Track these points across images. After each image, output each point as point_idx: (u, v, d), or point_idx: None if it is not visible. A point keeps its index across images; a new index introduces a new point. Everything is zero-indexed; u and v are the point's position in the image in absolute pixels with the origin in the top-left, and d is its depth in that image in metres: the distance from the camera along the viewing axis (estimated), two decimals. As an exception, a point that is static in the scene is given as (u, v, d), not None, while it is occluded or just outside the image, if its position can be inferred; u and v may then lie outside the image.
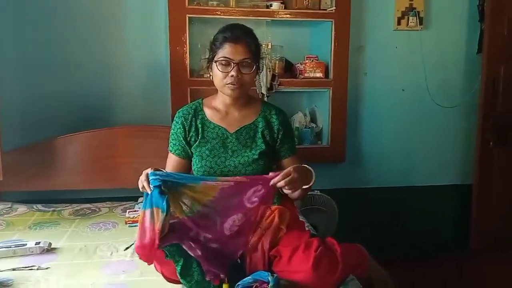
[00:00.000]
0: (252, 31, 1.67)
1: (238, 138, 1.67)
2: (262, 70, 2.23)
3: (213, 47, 1.64)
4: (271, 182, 1.46)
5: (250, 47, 1.61)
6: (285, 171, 1.47)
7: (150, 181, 1.40)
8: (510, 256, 2.94)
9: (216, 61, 1.60)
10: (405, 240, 2.99)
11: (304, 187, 1.54)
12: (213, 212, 1.48)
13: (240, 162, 1.64)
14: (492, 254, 2.94)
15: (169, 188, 1.42)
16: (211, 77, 1.67)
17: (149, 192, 1.40)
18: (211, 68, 1.65)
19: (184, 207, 1.46)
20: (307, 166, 1.58)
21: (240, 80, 1.59)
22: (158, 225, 1.35)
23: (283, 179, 1.45)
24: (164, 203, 1.37)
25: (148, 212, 1.38)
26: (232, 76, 1.58)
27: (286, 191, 1.50)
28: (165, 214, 1.36)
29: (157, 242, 1.35)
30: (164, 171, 1.50)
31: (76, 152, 2.40)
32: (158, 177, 1.40)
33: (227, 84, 1.60)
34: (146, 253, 1.39)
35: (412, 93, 2.98)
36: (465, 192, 3.06)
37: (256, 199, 1.49)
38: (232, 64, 1.58)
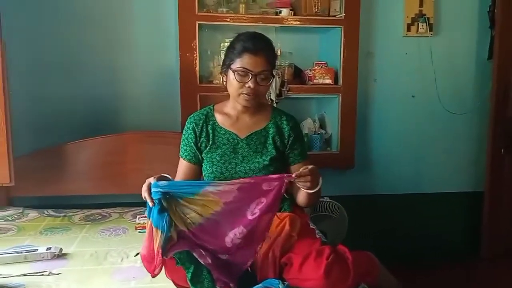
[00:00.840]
0: (271, 42, 1.66)
1: (248, 144, 1.67)
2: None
3: (231, 54, 1.62)
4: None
5: (269, 59, 1.60)
6: (302, 168, 1.45)
7: (152, 193, 1.38)
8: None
9: (234, 71, 1.59)
10: (415, 247, 2.97)
11: (313, 190, 1.51)
12: (214, 225, 1.46)
13: (251, 168, 1.64)
14: (503, 262, 2.91)
15: (169, 201, 1.40)
16: (224, 82, 1.67)
17: (151, 206, 1.39)
18: (226, 74, 1.65)
19: (187, 220, 1.44)
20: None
21: (256, 91, 1.59)
22: (157, 245, 1.34)
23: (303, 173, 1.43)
24: (164, 223, 1.35)
25: (151, 225, 1.38)
26: (249, 87, 1.58)
27: (301, 184, 1.47)
28: (165, 234, 1.35)
29: (159, 259, 1.35)
30: (169, 179, 1.48)
31: (86, 157, 2.42)
32: (159, 189, 1.38)
33: (243, 94, 1.60)
34: (147, 264, 1.39)
35: (422, 99, 2.97)
36: (476, 199, 3.03)
37: (257, 211, 1.46)
38: (250, 75, 1.57)
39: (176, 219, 1.41)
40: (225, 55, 1.67)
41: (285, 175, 1.47)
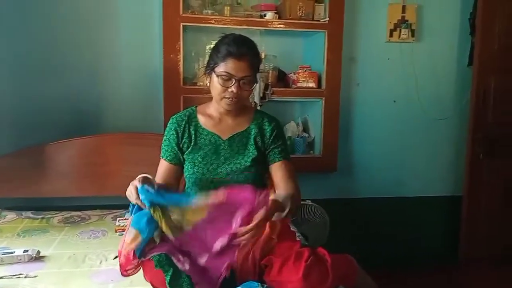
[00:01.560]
0: (255, 46, 1.66)
1: (230, 145, 1.67)
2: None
3: (215, 57, 1.61)
4: (233, 230, 1.39)
5: (252, 64, 1.60)
6: (252, 225, 1.37)
7: (142, 199, 1.37)
8: (499, 268, 2.95)
9: (217, 75, 1.58)
10: (395, 250, 3.01)
11: (279, 216, 1.50)
12: (201, 232, 1.45)
13: (232, 169, 1.64)
14: (481, 266, 2.96)
15: (156, 206, 1.39)
16: (208, 84, 1.67)
17: (143, 208, 1.38)
18: (210, 76, 1.64)
19: (172, 225, 1.42)
20: (282, 199, 1.52)
21: (238, 95, 1.59)
22: (131, 246, 1.34)
23: (245, 234, 1.38)
24: (146, 232, 1.35)
25: (130, 225, 1.37)
26: (232, 91, 1.58)
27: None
28: (144, 238, 1.35)
29: (130, 258, 1.35)
30: (151, 180, 1.46)
31: (66, 158, 2.39)
32: (147, 197, 1.37)
33: (225, 98, 1.60)
34: (125, 260, 1.39)
35: (404, 104, 3.01)
36: (456, 203, 3.08)
37: (240, 221, 1.42)
38: (234, 80, 1.57)
39: (162, 224, 1.40)
40: (210, 57, 1.67)
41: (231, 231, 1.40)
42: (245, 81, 1.59)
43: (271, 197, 1.46)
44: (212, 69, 1.61)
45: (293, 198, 1.59)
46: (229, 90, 1.58)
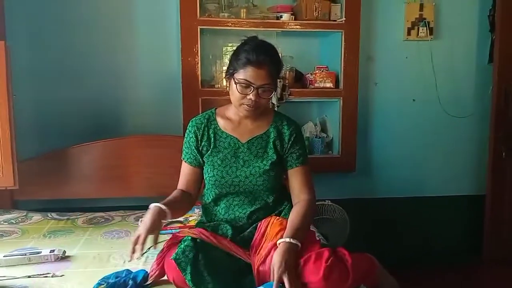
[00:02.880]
0: (276, 53, 1.66)
1: (250, 148, 1.68)
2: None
3: (235, 63, 1.61)
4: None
5: (272, 73, 1.60)
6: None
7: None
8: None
9: (236, 81, 1.59)
10: (416, 250, 2.98)
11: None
12: None
13: (251, 173, 1.65)
14: (505, 266, 2.91)
15: None
16: (228, 88, 1.68)
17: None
18: (229, 82, 1.65)
19: None
20: (292, 241, 1.48)
21: (256, 103, 1.60)
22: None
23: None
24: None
25: None
26: (250, 99, 1.58)
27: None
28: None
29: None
30: (165, 212, 1.54)
31: (89, 161, 2.44)
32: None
33: (244, 104, 1.61)
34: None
35: (423, 103, 2.98)
36: (478, 202, 3.04)
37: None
38: (252, 87, 1.58)
39: None
40: (230, 61, 1.67)
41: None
42: (263, 89, 1.59)
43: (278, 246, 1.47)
44: (232, 75, 1.62)
45: (303, 221, 1.58)
46: (248, 97, 1.59)
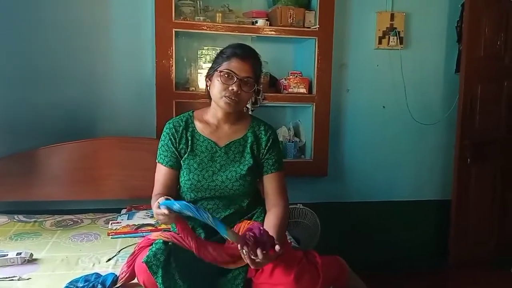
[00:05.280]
0: (259, 56, 1.71)
1: (227, 153, 1.68)
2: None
3: (219, 59, 1.66)
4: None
5: (254, 68, 1.64)
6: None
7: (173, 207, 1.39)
8: (488, 271, 3.00)
9: (220, 72, 1.61)
10: (384, 254, 3.04)
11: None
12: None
13: (228, 177, 1.65)
14: (470, 269, 2.99)
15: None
16: (208, 87, 1.69)
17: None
18: (211, 79, 1.67)
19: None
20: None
21: (238, 96, 1.61)
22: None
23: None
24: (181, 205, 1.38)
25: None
26: (232, 90, 1.60)
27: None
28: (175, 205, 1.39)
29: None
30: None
31: (59, 163, 2.39)
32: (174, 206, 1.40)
33: (225, 96, 1.61)
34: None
35: (393, 110, 3.06)
36: (445, 207, 3.12)
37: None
38: (235, 78, 1.60)
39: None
40: (214, 61, 1.70)
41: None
42: (246, 82, 1.62)
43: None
44: (215, 70, 1.64)
45: (279, 225, 1.60)
46: (230, 88, 1.60)
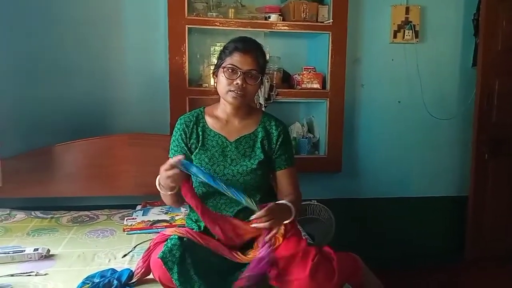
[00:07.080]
0: (261, 46, 1.71)
1: (237, 147, 1.69)
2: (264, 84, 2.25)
3: (222, 55, 1.67)
4: (254, 225, 1.49)
5: (258, 60, 1.65)
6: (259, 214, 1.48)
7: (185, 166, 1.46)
8: (504, 268, 2.96)
9: (223, 67, 1.63)
10: (399, 250, 3.01)
11: (285, 222, 1.56)
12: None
13: (239, 171, 1.66)
14: (486, 266, 2.96)
15: None
16: (215, 84, 1.70)
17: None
18: (217, 75, 1.68)
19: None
20: (286, 203, 1.59)
21: (243, 89, 1.62)
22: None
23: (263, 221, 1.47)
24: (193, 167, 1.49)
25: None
26: (237, 84, 1.61)
27: (261, 226, 1.49)
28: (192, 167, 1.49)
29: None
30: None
31: (74, 159, 2.42)
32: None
33: (231, 91, 1.62)
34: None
35: (408, 105, 3.02)
36: (461, 203, 3.08)
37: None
38: (239, 72, 1.61)
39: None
40: (218, 58, 1.71)
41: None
42: (250, 74, 1.63)
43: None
44: (219, 66, 1.66)
45: (295, 204, 1.62)
46: (234, 82, 1.61)
